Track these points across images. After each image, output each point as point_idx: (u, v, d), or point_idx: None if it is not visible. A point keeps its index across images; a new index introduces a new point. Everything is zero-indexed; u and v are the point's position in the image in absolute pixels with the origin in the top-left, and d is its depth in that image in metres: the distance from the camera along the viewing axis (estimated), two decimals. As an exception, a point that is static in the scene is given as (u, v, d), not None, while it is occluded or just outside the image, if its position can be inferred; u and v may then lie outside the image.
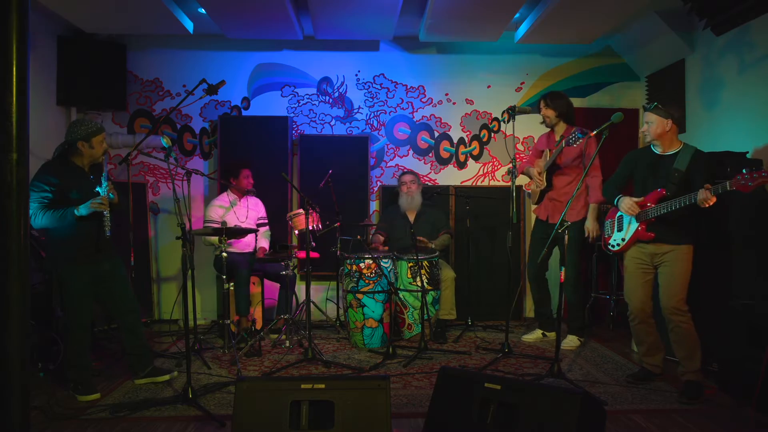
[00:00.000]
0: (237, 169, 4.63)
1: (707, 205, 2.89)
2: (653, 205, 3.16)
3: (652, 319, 3.36)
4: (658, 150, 3.27)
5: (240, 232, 4.27)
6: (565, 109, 4.18)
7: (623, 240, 3.35)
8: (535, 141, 4.25)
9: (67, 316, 3.22)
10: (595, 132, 3.44)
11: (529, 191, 4.55)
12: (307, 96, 5.44)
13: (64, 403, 3.09)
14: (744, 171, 2.73)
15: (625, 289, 3.43)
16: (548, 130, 4.35)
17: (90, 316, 3.29)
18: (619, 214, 3.43)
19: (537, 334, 4.49)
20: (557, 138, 4.23)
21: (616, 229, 3.44)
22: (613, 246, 3.44)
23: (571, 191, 4.14)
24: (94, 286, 3.25)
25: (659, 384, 3.39)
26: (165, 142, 3.19)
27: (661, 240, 3.20)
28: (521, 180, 4.66)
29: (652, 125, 3.20)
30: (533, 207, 4.50)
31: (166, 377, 3.35)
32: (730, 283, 3.49)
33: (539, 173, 4.27)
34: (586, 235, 4.13)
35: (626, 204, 3.26)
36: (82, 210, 3.02)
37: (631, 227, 3.31)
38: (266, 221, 4.83)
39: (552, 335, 4.50)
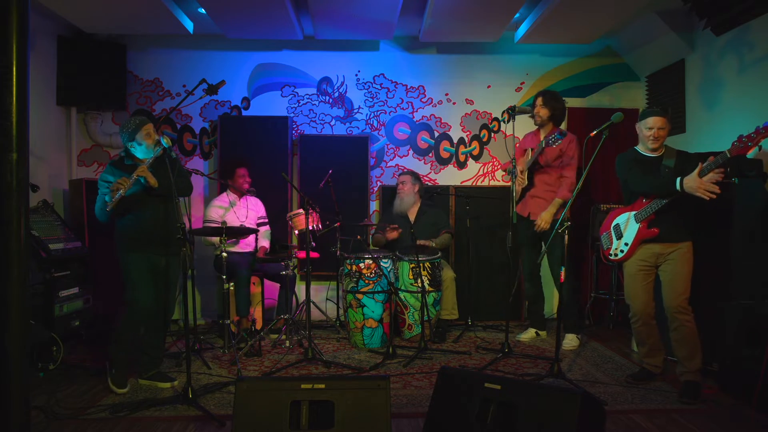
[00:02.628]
0: (231, 169, 4.64)
1: (713, 197, 2.90)
2: (649, 202, 3.19)
3: (654, 321, 3.36)
4: (646, 153, 3.31)
5: (240, 232, 4.27)
6: (559, 113, 4.26)
7: (626, 245, 3.31)
8: (521, 140, 4.32)
9: (126, 296, 3.29)
10: (595, 132, 3.45)
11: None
12: (307, 96, 5.44)
13: (64, 403, 3.09)
14: (741, 135, 2.77)
15: (626, 291, 3.41)
16: (534, 128, 4.40)
17: (149, 298, 3.29)
18: (615, 223, 3.41)
19: (531, 333, 4.51)
20: (542, 138, 4.26)
21: (614, 238, 3.40)
22: (616, 255, 3.38)
23: (553, 190, 4.21)
24: (154, 276, 3.31)
25: (659, 384, 3.39)
26: (165, 142, 3.18)
27: (665, 239, 3.20)
28: (523, 181, 4.62)
29: (663, 130, 3.22)
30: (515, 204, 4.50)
31: (167, 385, 3.35)
32: (730, 283, 3.49)
33: (521, 171, 4.27)
34: (537, 224, 4.16)
35: (697, 184, 2.92)
36: (107, 198, 3.12)
37: (632, 230, 3.30)
38: (266, 220, 4.83)
39: (544, 333, 4.55)
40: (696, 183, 2.94)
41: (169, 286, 3.40)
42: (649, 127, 3.23)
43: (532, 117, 4.30)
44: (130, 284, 3.26)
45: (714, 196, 2.89)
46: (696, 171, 2.95)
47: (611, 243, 3.42)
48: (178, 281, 3.45)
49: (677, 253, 3.19)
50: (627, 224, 3.33)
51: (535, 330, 4.53)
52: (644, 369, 3.46)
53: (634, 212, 3.29)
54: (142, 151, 3.26)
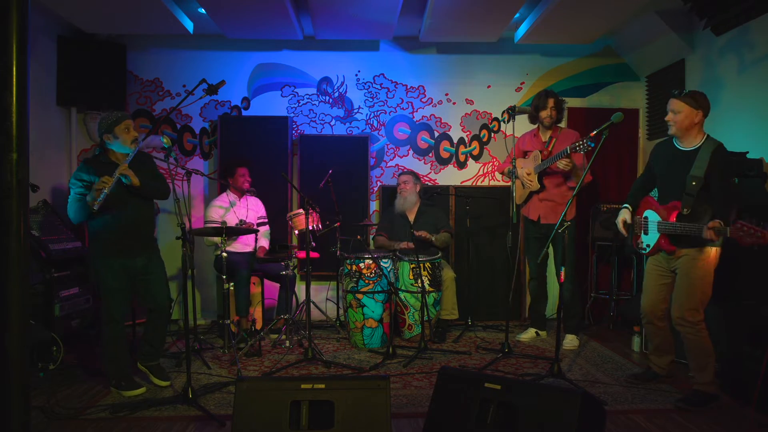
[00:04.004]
0: (233, 168, 4.63)
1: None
2: (674, 221, 3.03)
3: (662, 322, 3.27)
4: (679, 144, 3.11)
5: (240, 232, 4.27)
6: (562, 114, 4.27)
7: (648, 246, 3.23)
8: (516, 139, 4.25)
9: (101, 310, 3.24)
10: (595, 132, 3.44)
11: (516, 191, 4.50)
12: (307, 96, 5.44)
13: (63, 403, 3.09)
14: (744, 221, 2.67)
15: (643, 286, 3.35)
16: (533, 128, 4.38)
17: (123, 311, 3.27)
18: (646, 214, 3.26)
19: (531, 333, 4.50)
20: (545, 139, 4.24)
21: (643, 230, 3.26)
22: (642, 249, 3.27)
23: (561, 192, 4.19)
24: (130, 280, 3.27)
25: (659, 384, 3.39)
26: (165, 142, 3.18)
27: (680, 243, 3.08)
28: (532, 184, 4.55)
29: (678, 115, 2.99)
30: (518, 207, 4.46)
31: (165, 383, 3.34)
32: (730, 283, 3.49)
33: (528, 174, 4.26)
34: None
35: (619, 217, 3.33)
36: (88, 198, 3.04)
37: (654, 235, 3.18)
38: (266, 220, 4.83)
39: (545, 333, 4.54)
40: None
41: (156, 283, 3.34)
42: (669, 110, 3.04)
43: (533, 117, 4.27)
44: (103, 292, 3.21)
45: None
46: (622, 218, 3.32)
47: (640, 233, 3.28)
48: (165, 275, 3.42)
49: (684, 259, 3.05)
50: (652, 226, 3.19)
51: (535, 330, 4.52)
52: (650, 369, 3.42)
53: (659, 219, 3.13)
54: (117, 146, 3.18)
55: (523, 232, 4.56)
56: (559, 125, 4.32)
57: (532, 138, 4.37)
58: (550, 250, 4.34)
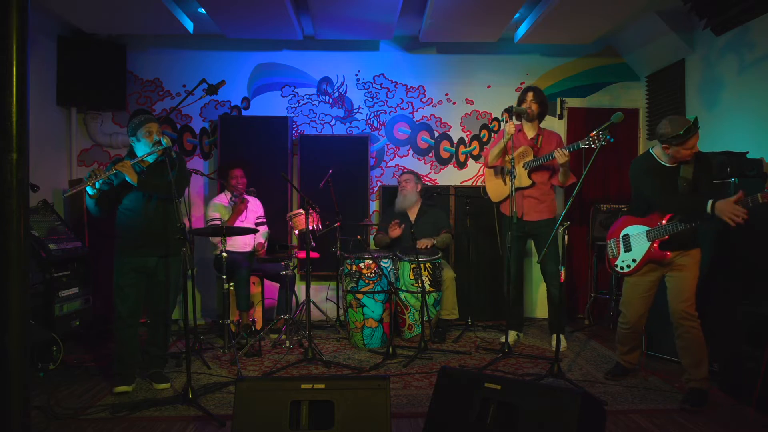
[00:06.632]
0: (226, 170, 4.65)
1: (739, 222, 2.73)
2: (665, 223, 3.06)
3: (642, 328, 3.36)
4: (666, 163, 3.10)
5: (240, 232, 4.27)
6: (545, 109, 4.23)
7: (634, 261, 3.20)
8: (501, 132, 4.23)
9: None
10: (595, 132, 3.44)
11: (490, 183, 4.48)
12: (307, 96, 5.44)
13: (64, 403, 3.09)
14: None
15: (624, 297, 3.33)
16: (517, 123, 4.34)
17: (130, 309, 3.28)
18: (624, 233, 3.27)
19: (512, 335, 4.36)
20: (531, 136, 4.21)
21: (623, 249, 3.27)
22: (622, 268, 3.26)
23: (544, 190, 4.20)
24: (143, 280, 3.32)
25: (659, 384, 3.39)
26: (165, 142, 3.18)
27: (674, 249, 3.09)
28: (519, 180, 4.49)
29: (695, 146, 2.97)
30: (497, 204, 4.44)
31: (165, 386, 3.35)
32: (730, 283, 3.49)
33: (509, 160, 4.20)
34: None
35: (729, 208, 2.76)
36: (89, 190, 3.12)
37: (642, 247, 3.17)
38: (264, 221, 4.83)
39: (522, 335, 4.52)
40: (728, 207, 2.75)
41: (167, 287, 3.37)
42: (690, 147, 2.94)
43: (524, 115, 4.21)
44: (114, 286, 3.29)
45: (741, 221, 2.73)
46: (734, 198, 2.76)
47: (618, 253, 3.30)
48: (179, 281, 3.44)
49: (684, 259, 3.09)
50: (638, 239, 3.19)
51: (516, 332, 4.44)
52: (619, 365, 3.50)
53: (647, 228, 3.14)
54: (142, 147, 3.25)
55: (502, 230, 4.49)
56: (542, 126, 4.27)
57: (515, 133, 4.30)
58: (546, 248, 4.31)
